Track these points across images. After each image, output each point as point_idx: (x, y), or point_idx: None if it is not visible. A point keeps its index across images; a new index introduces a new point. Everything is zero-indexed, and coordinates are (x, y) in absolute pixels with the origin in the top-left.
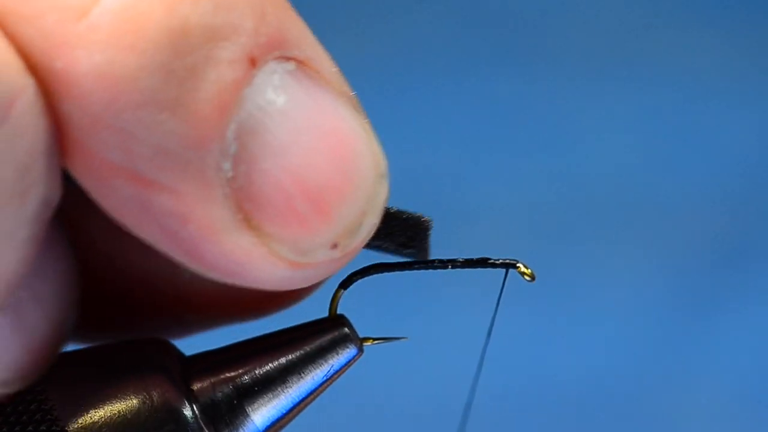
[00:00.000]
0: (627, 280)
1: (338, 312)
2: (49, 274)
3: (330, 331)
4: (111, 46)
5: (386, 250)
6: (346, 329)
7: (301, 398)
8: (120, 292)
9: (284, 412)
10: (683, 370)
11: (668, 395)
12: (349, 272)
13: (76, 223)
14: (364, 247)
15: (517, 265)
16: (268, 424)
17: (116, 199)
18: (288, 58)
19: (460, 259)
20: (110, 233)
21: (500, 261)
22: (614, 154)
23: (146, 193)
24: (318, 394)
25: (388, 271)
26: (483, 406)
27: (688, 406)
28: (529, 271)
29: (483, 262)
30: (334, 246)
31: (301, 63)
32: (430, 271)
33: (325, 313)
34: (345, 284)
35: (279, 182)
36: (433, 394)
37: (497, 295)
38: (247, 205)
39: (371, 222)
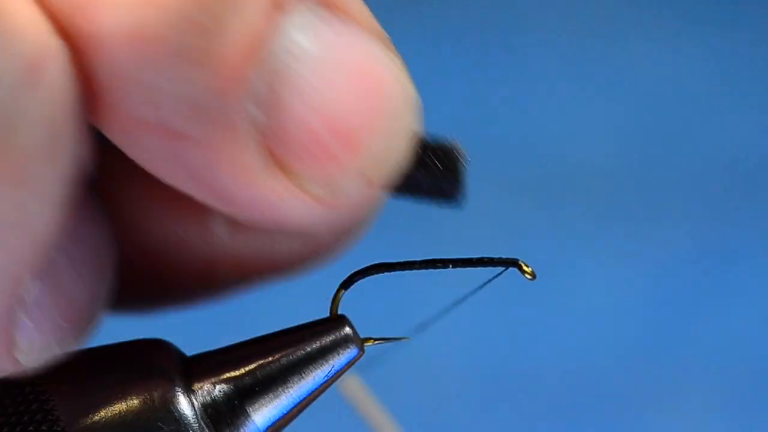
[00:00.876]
0: (619, 268)
1: (339, 312)
2: (84, 240)
3: (331, 332)
4: (135, 3)
5: (421, 185)
6: (348, 329)
7: (301, 398)
8: (155, 261)
9: (285, 412)
10: (678, 349)
11: (659, 378)
12: (350, 272)
13: (107, 192)
14: (401, 186)
15: (518, 263)
16: (269, 424)
17: (149, 154)
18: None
19: (461, 259)
20: (142, 200)
21: (501, 260)
22: (603, 142)
23: (178, 145)
24: (319, 395)
25: (389, 270)
26: (478, 387)
27: (676, 388)
28: (530, 269)
29: (484, 261)
30: (367, 181)
31: (328, 3)
32: (431, 270)
33: (326, 314)
34: (346, 284)
35: (308, 123)
36: (433, 393)
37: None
38: (277, 149)
39: (402, 152)
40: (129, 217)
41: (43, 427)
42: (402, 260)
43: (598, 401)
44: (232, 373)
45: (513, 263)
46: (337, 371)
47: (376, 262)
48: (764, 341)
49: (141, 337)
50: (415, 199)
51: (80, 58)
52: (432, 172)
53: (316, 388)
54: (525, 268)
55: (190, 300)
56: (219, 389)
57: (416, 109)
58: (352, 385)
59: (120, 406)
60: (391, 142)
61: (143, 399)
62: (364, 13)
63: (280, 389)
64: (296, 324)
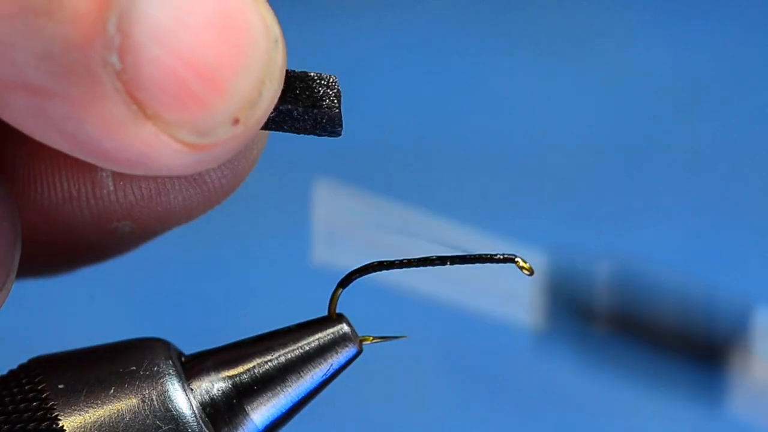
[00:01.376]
0: None
1: (337, 311)
2: None
3: (329, 330)
4: None
5: (295, 119)
6: (346, 328)
7: (300, 397)
8: (52, 222)
9: (283, 411)
10: None
11: None
12: (348, 271)
13: None
14: (275, 121)
15: (516, 259)
16: (268, 423)
17: (12, 112)
18: None
19: (459, 256)
20: (26, 162)
21: (499, 256)
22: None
23: (38, 101)
24: (317, 393)
25: (387, 269)
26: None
27: None
28: (528, 265)
29: (482, 258)
30: (236, 121)
31: None
32: (429, 268)
33: (325, 312)
34: (344, 283)
35: (168, 67)
36: (433, 392)
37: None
38: (140, 96)
39: (271, 90)
40: (18, 181)
41: (42, 426)
42: (400, 258)
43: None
44: (231, 372)
45: (511, 259)
46: (336, 370)
47: (374, 260)
48: None
49: (140, 336)
50: (293, 131)
51: None
52: (305, 105)
53: (315, 387)
54: (523, 264)
55: (93, 257)
56: (217, 388)
57: (281, 43)
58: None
59: (118, 405)
60: (256, 80)
61: (142, 398)
62: None
63: (278, 388)
64: (294, 323)
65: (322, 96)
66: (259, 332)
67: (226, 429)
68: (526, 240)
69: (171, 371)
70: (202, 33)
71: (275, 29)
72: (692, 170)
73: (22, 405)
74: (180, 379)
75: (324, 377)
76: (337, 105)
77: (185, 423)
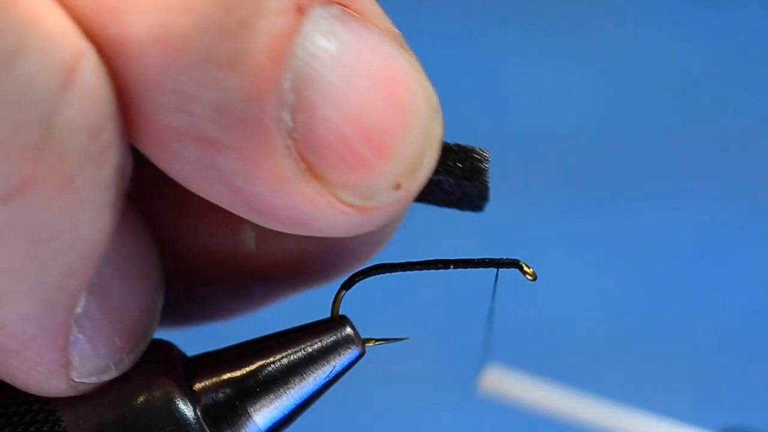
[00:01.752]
0: None
1: (340, 313)
2: (130, 252)
3: (332, 332)
4: (162, 8)
5: (445, 190)
6: (349, 330)
7: (303, 399)
8: (190, 275)
9: (286, 413)
10: None
11: None
12: (351, 273)
13: (142, 207)
14: (425, 191)
15: (519, 264)
16: (270, 425)
17: (180, 163)
18: (331, 2)
19: (462, 260)
20: (172, 214)
21: (502, 260)
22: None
23: (210, 153)
24: (320, 395)
25: (390, 271)
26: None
27: None
28: (531, 270)
29: (485, 262)
30: (398, 186)
31: (345, 6)
32: (432, 271)
33: (327, 314)
34: (347, 285)
35: (338, 128)
36: (433, 393)
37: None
38: (308, 155)
39: (431, 157)
40: (161, 232)
41: (44, 427)
42: (403, 261)
43: None
44: (234, 374)
45: (514, 264)
46: (338, 372)
47: (378, 262)
48: None
49: None
50: (438, 203)
51: (109, 64)
52: (457, 177)
53: (318, 389)
54: (526, 269)
55: (225, 313)
56: (220, 390)
57: (440, 113)
58: (492, 380)
59: (121, 407)
60: (419, 146)
61: (144, 399)
62: (380, 15)
63: (281, 390)
64: (297, 324)
65: (473, 169)
66: (262, 334)
67: (228, 431)
68: None
69: (174, 373)
70: (370, 97)
71: (435, 99)
72: None
73: (24, 406)
74: (183, 381)
75: (326, 379)
76: (487, 180)
77: (187, 424)
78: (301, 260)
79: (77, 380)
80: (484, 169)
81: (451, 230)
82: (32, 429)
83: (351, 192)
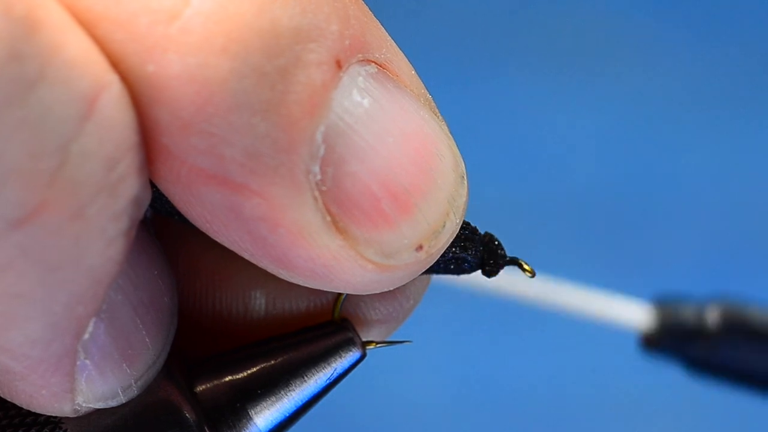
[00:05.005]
0: None
1: (341, 315)
2: (142, 280)
3: (333, 335)
4: (203, 49)
5: (462, 265)
6: (350, 333)
7: (303, 401)
8: (193, 318)
9: (287, 415)
10: None
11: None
12: None
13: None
14: (442, 267)
15: (518, 261)
16: (271, 427)
17: (204, 206)
18: (370, 61)
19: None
20: (184, 274)
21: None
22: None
23: (236, 198)
24: (321, 398)
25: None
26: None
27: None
28: (529, 267)
29: (485, 262)
30: (420, 247)
31: (381, 66)
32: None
33: (328, 317)
34: None
35: (365, 184)
36: (433, 395)
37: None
38: (334, 208)
39: (454, 222)
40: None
41: (45, 429)
42: None
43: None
44: (235, 376)
45: (513, 262)
46: (339, 374)
47: None
48: None
49: None
50: (446, 272)
51: (142, 102)
52: (474, 254)
53: (318, 391)
54: (525, 267)
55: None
56: (221, 392)
57: (466, 180)
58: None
59: (122, 409)
60: (443, 210)
61: (145, 401)
62: (414, 78)
63: (282, 392)
64: (298, 327)
65: (488, 253)
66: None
67: None
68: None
69: (175, 375)
70: (400, 156)
71: (462, 167)
72: None
73: (26, 409)
74: (184, 384)
75: (327, 381)
76: (497, 268)
77: (189, 427)
78: (309, 317)
79: (83, 405)
80: (498, 257)
81: None
82: (34, 431)
83: (373, 249)
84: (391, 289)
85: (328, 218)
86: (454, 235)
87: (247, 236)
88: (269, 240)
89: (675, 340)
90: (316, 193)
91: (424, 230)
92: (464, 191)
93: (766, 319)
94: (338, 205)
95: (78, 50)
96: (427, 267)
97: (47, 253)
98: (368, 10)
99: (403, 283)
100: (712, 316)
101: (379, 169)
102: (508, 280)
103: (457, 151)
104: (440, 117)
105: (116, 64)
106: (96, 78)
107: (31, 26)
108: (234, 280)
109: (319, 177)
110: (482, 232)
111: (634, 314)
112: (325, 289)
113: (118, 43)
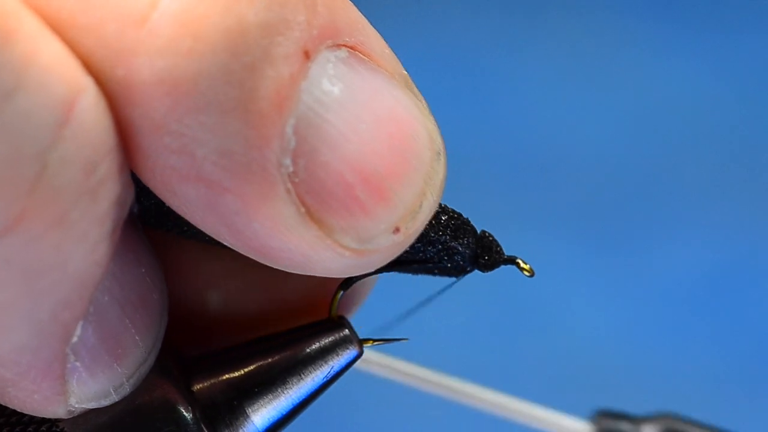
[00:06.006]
0: None
1: (337, 313)
2: (129, 279)
3: (330, 333)
4: (171, 51)
5: (455, 257)
6: (347, 330)
7: (301, 399)
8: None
9: (284, 413)
10: None
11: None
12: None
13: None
14: (435, 258)
15: (516, 260)
16: (268, 425)
17: (181, 202)
18: (339, 45)
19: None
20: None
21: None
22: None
23: (211, 194)
24: (318, 396)
25: (388, 270)
26: None
27: None
28: (528, 266)
29: (484, 260)
30: (397, 230)
31: (352, 48)
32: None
33: (325, 314)
34: (345, 285)
35: (339, 173)
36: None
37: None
38: (308, 199)
39: (431, 201)
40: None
41: (43, 428)
42: (400, 260)
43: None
44: (232, 374)
45: (511, 261)
46: (336, 372)
47: None
48: None
49: None
50: (421, 262)
51: (114, 102)
52: (451, 234)
53: (316, 389)
54: (523, 266)
55: (201, 345)
56: (218, 390)
57: (443, 156)
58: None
59: (119, 407)
60: (419, 191)
61: (142, 400)
62: (388, 57)
63: (279, 390)
64: (295, 325)
65: (462, 236)
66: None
67: (226, 431)
68: None
69: (172, 374)
70: (373, 141)
71: (438, 141)
72: None
73: None
74: (181, 382)
75: (325, 379)
76: (472, 253)
77: (186, 425)
78: (281, 305)
79: (77, 406)
80: (472, 242)
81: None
82: (30, 429)
83: (349, 236)
84: (371, 270)
85: (303, 209)
86: (432, 213)
87: (225, 229)
88: (246, 233)
89: None
90: (289, 186)
91: (401, 213)
92: (441, 168)
93: None
94: (312, 195)
95: (52, 56)
96: (405, 247)
97: (30, 261)
98: None
99: (382, 264)
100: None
101: (351, 157)
102: (458, 386)
103: (434, 126)
104: (417, 93)
105: (88, 68)
106: (72, 83)
107: (5, 36)
108: (220, 276)
109: (291, 169)
110: (479, 231)
111: (574, 427)
112: (307, 274)
113: (88, 48)
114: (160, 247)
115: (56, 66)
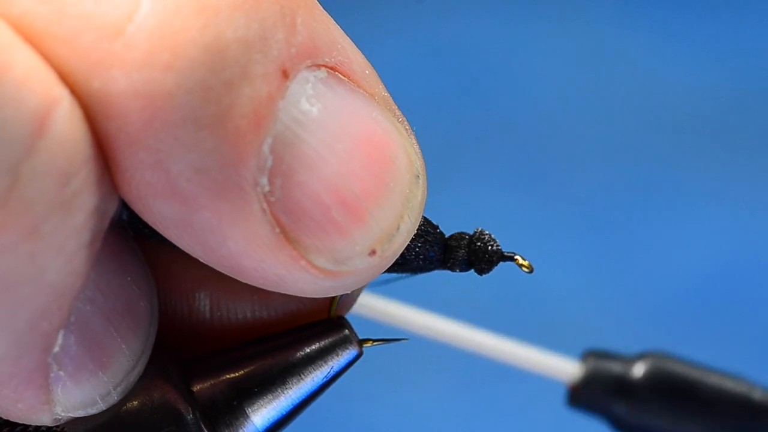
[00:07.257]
0: None
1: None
2: (113, 287)
3: (330, 333)
4: (148, 65)
5: (424, 260)
6: (346, 331)
7: (300, 399)
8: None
9: (284, 413)
10: None
11: None
12: None
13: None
14: (401, 263)
15: (515, 257)
16: (268, 425)
17: (156, 218)
18: (319, 66)
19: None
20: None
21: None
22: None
23: (185, 212)
24: (317, 396)
25: (387, 270)
26: None
27: None
28: (527, 262)
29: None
30: (373, 252)
31: (332, 69)
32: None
33: (325, 315)
34: None
35: (315, 193)
36: (432, 396)
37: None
38: (284, 219)
39: (409, 224)
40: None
41: (43, 428)
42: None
43: None
44: (231, 374)
45: (510, 258)
46: (336, 372)
47: None
48: None
49: None
50: (409, 270)
51: (91, 114)
52: (435, 249)
53: (315, 389)
54: (522, 262)
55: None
56: (218, 390)
57: (422, 178)
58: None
59: (119, 407)
60: (397, 213)
61: (142, 400)
62: (369, 78)
63: (279, 390)
64: (295, 326)
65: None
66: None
67: (226, 431)
68: None
69: (172, 374)
70: (350, 162)
71: (417, 164)
72: None
73: None
74: (181, 382)
75: (324, 379)
76: (460, 261)
77: (186, 425)
78: (266, 319)
79: (63, 414)
80: (459, 254)
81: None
82: (30, 429)
83: (324, 257)
84: (346, 292)
85: (278, 229)
86: (410, 237)
87: (199, 247)
88: (219, 251)
89: (601, 393)
90: (264, 205)
91: (377, 235)
92: (420, 191)
93: (693, 375)
94: (288, 215)
95: (26, 67)
96: (383, 270)
97: (3, 272)
98: (322, 10)
99: (358, 287)
100: (639, 371)
101: (328, 177)
102: (447, 327)
103: (414, 149)
104: (398, 114)
105: (65, 79)
106: (46, 94)
107: None
108: (212, 280)
109: (267, 188)
110: (473, 231)
111: (562, 367)
112: (280, 291)
113: (63, 58)
114: (151, 253)
115: (30, 77)
